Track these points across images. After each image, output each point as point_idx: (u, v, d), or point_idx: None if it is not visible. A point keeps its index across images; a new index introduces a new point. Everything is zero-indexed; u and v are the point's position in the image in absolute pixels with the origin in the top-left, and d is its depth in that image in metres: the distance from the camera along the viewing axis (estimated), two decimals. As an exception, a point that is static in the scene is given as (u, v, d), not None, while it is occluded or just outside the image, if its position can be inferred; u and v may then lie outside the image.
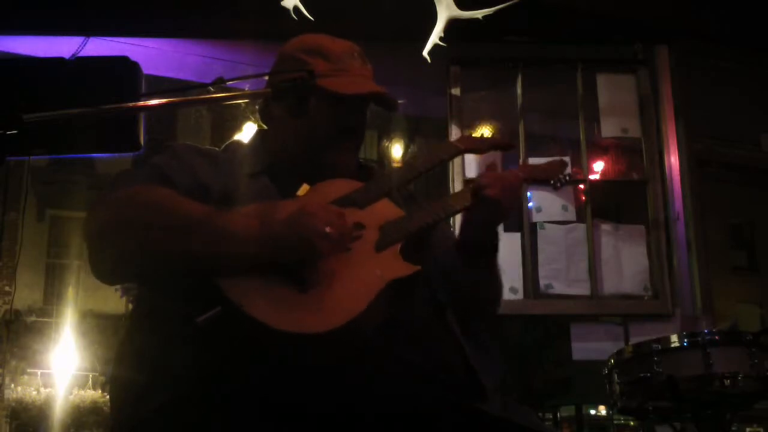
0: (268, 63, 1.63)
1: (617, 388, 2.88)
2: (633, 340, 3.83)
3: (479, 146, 1.67)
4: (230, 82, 1.45)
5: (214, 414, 1.17)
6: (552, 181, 1.71)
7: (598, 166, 5.04)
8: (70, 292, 14.36)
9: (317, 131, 1.51)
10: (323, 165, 1.49)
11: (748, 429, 12.43)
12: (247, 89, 1.66)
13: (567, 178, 1.75)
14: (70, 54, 4.00)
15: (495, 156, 3.72)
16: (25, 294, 14.21)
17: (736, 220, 18.21)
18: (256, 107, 1.65)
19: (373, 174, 1.57)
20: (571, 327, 4.27)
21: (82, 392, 13.82)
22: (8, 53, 4.25)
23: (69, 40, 4.12)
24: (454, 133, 4.31)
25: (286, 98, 1.46)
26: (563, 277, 4.19)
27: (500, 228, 1.80)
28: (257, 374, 1.17)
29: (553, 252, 4.21)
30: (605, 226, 4.32)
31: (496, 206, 1.50)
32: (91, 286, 13.37)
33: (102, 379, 13.94)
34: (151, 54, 4.32)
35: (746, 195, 15.40)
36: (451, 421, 1.22)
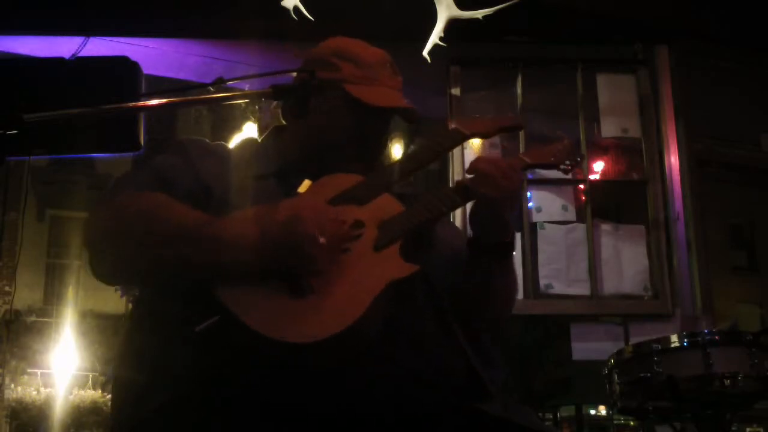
0: (268, 63, 1.63)
1: (617, 388, 2.88)
2: (633, 340, 3.83)
3: (485, 130, 1.58)
4: (230, 82, 1.45)
5: (214, 415, 1.17)
6: (561, 166, 1.59)
7: (598, 166, 5.05)
8: (70, 292, 14.36)
9: (336, 135, 1.49)
10: (337, 170, 1.45)
11: (748, 429, 12.43)
12: (247, 89, 1.65)
13: (578, 160, 1.63)
14: (70, 54, 4.00)
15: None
16: (25, 294, 14.21)
17: (736, 220, 18.20)
18: (256, 107, 1.64)
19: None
20: (571, 327, 4.27)
21: (82, 392, 13.81)
22: (8, 53, 4.25)
23: (69, 40, 4.12)
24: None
25: (289, 98, 1.46)
26: (563, 277, 4.19)
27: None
28: (256, 377, 1.16)
29: (553, 252, 4.21)
30: (605, 226, 4.32)
31: (489, 200, 1.41)
32: (91, 286, 13.36)
33: (102, 379, 13.95)
34: (151, 54, 4.32)
35: (746, 195, 15.40)
36: (452, 423, 1.22)
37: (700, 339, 2.68)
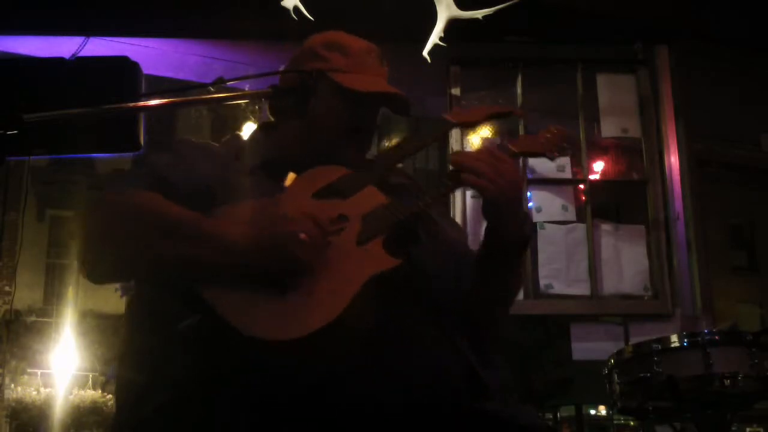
0: (268, 63, 1.63)
1: (617, 388, 2.88)
2: (633, 340, 3.83)
3: (473, 118, 1.55)
4: (230, 82, 1.45)
5: (214, 415, 1.17)
6: (549, 154, 1.52)
7: (598, 166, 5.04)
8: (70, 292, 14.36)
9: (325, 126, 1.48)
10: (328, 163, 1.44)
11: (748, 429, 12.43)
12: (247, 89, 1.65)
13: (566, 146, 1.55)
14: (70, 54, 4.00)
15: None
16: (25, 294, 14.22)
17: (736, 220, 18.20)
18: (256, 107, 1.63)
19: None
20: (571, 327, 4.27)
21: (82, 392, 13.82)
22: (8, 53, 4.25)
23: (69, 40, 4.12)
24: (454, 133, 4.31)
25: (290, 96, 1.46)
26: (563, 277, 4.19)
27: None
28: (242, 378, 1.16)
29: (553, 252, 4.21)
30: (605, 226, 4.32)
31: (482, 192, 1.34)
32: (91, 286, 13.27)
33: (102, 379, 13.96)
34: (151, 54, 4.32)
35: (746, 195, 15.40)
36: (449, 423, 1.22)
37: (700, 339, 2.68)
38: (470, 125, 1.56)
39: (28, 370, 14.11)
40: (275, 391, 1.16)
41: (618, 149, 4.96)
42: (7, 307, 13.59)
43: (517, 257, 1.44)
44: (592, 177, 4.52)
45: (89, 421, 13.30)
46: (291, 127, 1.53)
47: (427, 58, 3.95)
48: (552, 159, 1.54)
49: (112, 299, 10.64)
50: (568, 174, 4.38)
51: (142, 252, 1.25)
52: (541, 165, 4.32)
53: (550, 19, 4.34)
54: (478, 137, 4.64)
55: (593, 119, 4.47)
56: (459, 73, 4.42)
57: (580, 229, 4.26)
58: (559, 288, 4.18)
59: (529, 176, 4.28)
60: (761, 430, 12.59)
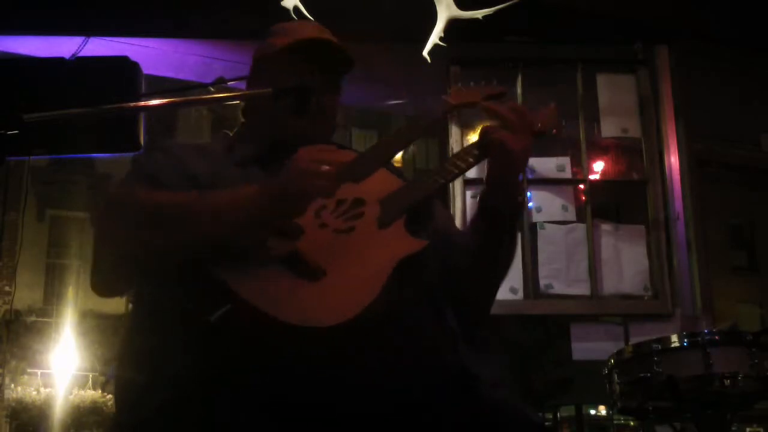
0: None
1: (617, 388, 2.88)
2: (633, 340, 3.83)
3: (471, 98, 1.54)
4: (230, 82, 1.46)
5: (214, 414, 1.17)
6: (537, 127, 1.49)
7: (598, 166, 5.05)
8: (70, 292, 14.35)
9: (282, 100, 1.44)
10: (297, 137, 1.41)
11: (748, 429, 12.42)
12: (247, 89, 1.65)
13: (553, 120, 1.54)
14: (70, 54, 4.00)
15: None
16: (25, 294, 14.19)
17: (736, 220, 18.19)
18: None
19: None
20: (571, 327, 4.27)
21: (82, 392, 13.80)
22: (8, 53, 4.25)
23: (69, 40, 4.12)
24: (454, 133, 4.32)
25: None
26: (563, 277, 4.19)
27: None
28: (258, 376, 1.15)
29: (553, 252, 4.21)
30: (605, 226, 4.32)
31: (514, 147, 1.36)
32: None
33: (102, 379, 13.94)
34: (151, 54, 4.31)
35: (746, 195, 15.40)
36: (446, 411, 1.21)
37: (700, 339, 2.68)
38: (468, 106, 1.54)
39: (28, 370, 14.10)
40: (287, 385, 1.15)
41: (618, 149, 4.97)
42: (7, 307, 13.58)
43: (513, 225, 1.45)
44: (592, 177, 4.52)
45: (89, 421, 13.29)
46: (260, 120, 1.53)
47: (427, 58, 3.96)
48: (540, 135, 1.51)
49: (112, 299, 10.61)
50: (568, 174, 4.38)
51: (163, 244, 1.24)
52: (541, 165, 4.32)
53: (550, 19, 4.35)
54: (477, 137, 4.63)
55: (593, 119, 4.47)
56: (459, 73, 4.42)
57: (580, 229, 4.26)
58: (559, 288, 4.18)
59: (530, 176, 4.28)
60: (761, 430, 12.58)
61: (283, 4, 3.78)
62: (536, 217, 4.24)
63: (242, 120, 1.61)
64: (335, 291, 1.17)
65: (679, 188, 4.38)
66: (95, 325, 13.74)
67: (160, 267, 1.26)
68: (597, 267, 4.21)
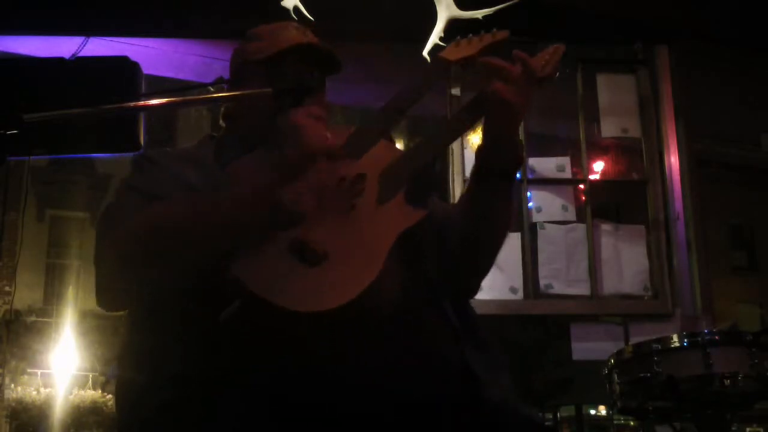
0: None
1: (617, 388, 2.88)
2: (633, 340, 3.83)
3: (470, 52, 1.43)
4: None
5: (215, 414, 1.17)
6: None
7: (598, 166, 5.05)
8: (70, 292, 14.36)
9: (267, 109, 1.41)
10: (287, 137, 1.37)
11: (748, 429, 12.42)
12: (247, 89, 1.65)
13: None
14: (70, 54, 4.00)
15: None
16: (25, 294, 14.19)
17: (736, 220, 18.19)
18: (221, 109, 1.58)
19: None
20: (571, 327, 4.27)
21: (82, 392, 13.80)
22: (8, 53, 4.25)
23: (69, 40, 4.12)
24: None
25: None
26: (563, 277, 4.20)
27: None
28: (262, 371, 1.16)
29: (553, 252, 4.21)
30: (605, 226, 4.33)
31: (512, 100, 1.31)
32: (91, 286, 13.32)
33: (102, 379, 13.94)
34: (151, 54, 4.32)
35: (746, 195, 15.39)
36: (449, 409, 1.21)
37: (700, 339, 2.68)
38: (469, 60, 1.42)
39: (28, 370, 14.10)
40: (290, 382, 1.15)
41: (618, 149, 4.97)
42: (7, 307, 13.58)
43: (508, 187, 1.40)
44: (592, 177, 4.53)
45: (89, 421, 13.29)
46: (242, 125, 1.50)
47: (427, 58, 3.95)
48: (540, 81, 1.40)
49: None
50: (568, 174, 4.38)
51: (172, 260, 1.23)
52: (541, 165, 4.33)
53: (550, 19, 4.34)
54: (478, 137, 4.64)
55: (593, 119, 4.47)
56: (459, 73, 4.42)
57: (580, 229, 4.26)
58: (559, 288, 4.18)
59: (530, 176, 4.28)
60: (761, 430, 12.58)
61: (283, 4, 3.78)
62: (536, 217, 4.24)
63: (222, 125, 1.57)
64: (336, 274, 1.17)
65: (679, 188, 4.38)
66: (95, 325, 13.73)
67: (167, 279, 1.25)
68: (597, 267, 4.21)
